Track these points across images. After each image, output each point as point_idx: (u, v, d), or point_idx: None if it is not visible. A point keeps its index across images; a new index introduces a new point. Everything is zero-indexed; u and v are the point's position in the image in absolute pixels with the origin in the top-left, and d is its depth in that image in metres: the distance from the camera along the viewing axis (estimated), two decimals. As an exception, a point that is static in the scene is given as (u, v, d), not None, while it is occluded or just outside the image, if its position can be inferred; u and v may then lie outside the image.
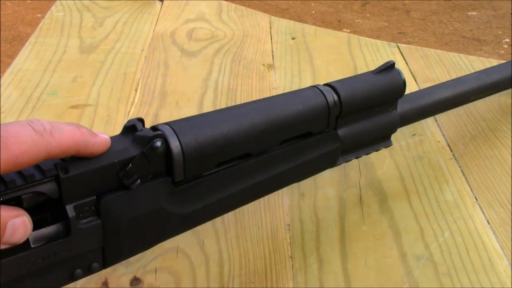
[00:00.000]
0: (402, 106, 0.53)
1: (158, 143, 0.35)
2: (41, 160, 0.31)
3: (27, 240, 0.32)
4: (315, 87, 0.47)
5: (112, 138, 0.36)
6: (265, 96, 0.75)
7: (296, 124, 0.44)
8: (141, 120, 0.37)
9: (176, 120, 0.38)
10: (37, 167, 0.32)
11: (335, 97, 0.46)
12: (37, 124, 0.31)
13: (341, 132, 0.48)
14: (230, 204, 0.43)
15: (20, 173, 0.31)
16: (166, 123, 0.38)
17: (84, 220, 0.34)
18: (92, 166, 0.33)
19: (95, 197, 0.34)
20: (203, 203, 0.40)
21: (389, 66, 0.49)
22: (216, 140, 0.39)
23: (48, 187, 0.32)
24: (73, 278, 0.35)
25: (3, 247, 0.31)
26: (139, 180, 0.35)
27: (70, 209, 0.33)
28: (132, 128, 0.36)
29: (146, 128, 0.37)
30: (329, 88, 0.46)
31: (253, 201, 0.45)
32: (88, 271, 0.36)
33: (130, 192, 0.35)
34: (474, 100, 0.65)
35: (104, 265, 0.36)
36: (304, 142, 0.45)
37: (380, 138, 0.52)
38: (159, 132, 0.36)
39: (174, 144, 0.37)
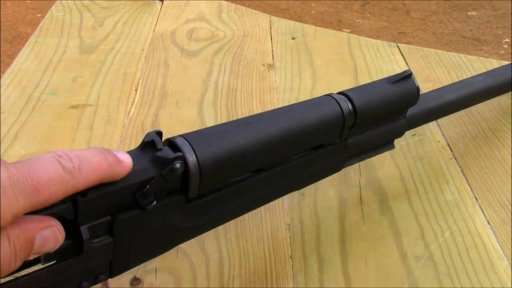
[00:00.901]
0: (409, 111, 0.52)
1: (178, 165, 0.35)
2: (65, 197, 0.30)
3: (39, 259, 0.32)
4: (330, 96, 0.45)
5: (130, 153, 0.35)
6: (266, 96, 0.75)
7: (311, 138, 0.43)
8: (159, 134, 0.36)
9: (194, 134, 0.37)
10: None
11: (350, 107, 0.45)
12: (66, 160, 0.30)
13: (350, 140, 0.47)
14: (237, 213, 0.43)
15: None
16: (184, 137, 0.37)
17: (97, 239, 0.33)
18: (110, 188, 0.33)
19: (109, 217, 0.34)
20: (212, 216, 0.40)
21: (406, 76, 0.48)
22: (233, 158, 0.38)
23: (64, 209, 0.31)
24: None
25: (32, 257, 0.30)
26: (155, 202, 0.35)
27: (84, 231, 0.33)
28: (151, 144, 0.35)
29: (165, 146, 0.36)
30: (344, 97, 0.45)
31: (258, 208, 0.45)
32: (94, 282, 0.35)
33: (144, 212, 0.35)
34: (478, 103, 0.65)
35: (110, 276, 0.36)
36: (315, 154, 0.45)
37: (385, 143, 0.52)
38: (180, 154, 0.35)
39: (192, 164, 0.36)
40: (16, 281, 0.31)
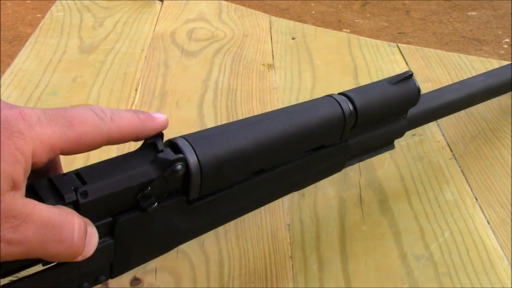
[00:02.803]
0: (409, 111, 0.52)
1: (179, 167, 0.35)
2: (103, 143, 0.32)
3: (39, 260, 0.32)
4: (331, 97, 0.45)
5: (131, 156, 0.35)
6: (266, 96, 0.75)
7: (312, 139, 0.43)
8: (160, 135, 0.36)
9: (195, 135, 0.37)
10: (57, 191, 0.31)
11: (351, 108, 0.45)
12: (98, 109, 0.32)
13: (351, 141, 0.47)
14: (237, 214, 0.43)
15: (39, 198, 0.30)
16: (185, 138, 0.37)
17: (99, 241, 0.33)
18: (112, 190, 0.33)
19: (111, 218, 0.34)
20: (213, 217, 0.40)
21: (407, 77, 0.48)
22: (234, 159, 0.38)
23: None
24: None
25: (81, 259, 0.31)
26: (156, 203, 0.35)
27: None
28: (152, 146, 0.35)
29: (166, 147, 0.36)
30: (345, 98, 0.45)
31: (259, 208, 0.45)
32: (94, 283, 0.35)
33: (145, 214, 0.35)
34: (478, 103, 0.65)
35: (111, 277, 0.36)
36: (316, 155, 0.44)
37: (386, 144, 0.52)
38: (181, 156, 0.35)
39: (194, 166, 0.36)
40: (16, 283, 0.31)
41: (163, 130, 0.35)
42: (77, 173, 0.33)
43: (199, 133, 0.38)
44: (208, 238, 0.52)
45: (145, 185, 0.34)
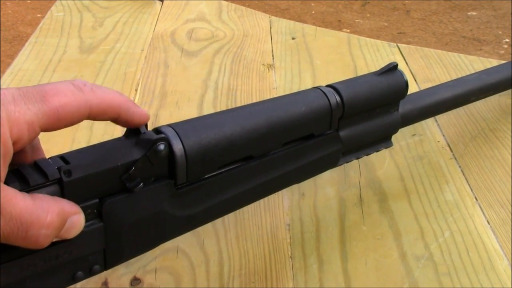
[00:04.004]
0: (403, 107, 0.52)
1: (162, 146, 0.35)
2: (84, 115, 0.31)
3: None
4: (317, 88, 0.46)
5: (115, 140, 0.36)
6: (266, 96, 0.75)
7: (299, 127, 0.44)
8: (144, 124, 0.37)
9: (179, 122, 0.38)
10: (40, 170, 0.32)
11: (338, 99, 0.46)
12: (78, 81, 0.32)
13: (342, 133, 0.47)
14: (231, 205, 0.43)
15: (23, 176, 0.31)
16: (169, 125, 0.38)
17: (87, 223, 0.34)
18: (95, 169, 0.33)
19: (97, 200, 0.34)
20: (205, 205, 0.40)
21: (392, 68, 0.49)
22: (219, 143, 0.39)
23: (51, 191, 0.32)
24: (74, 280, 0.35)
25: (56, 239, 0.31)
26: (142, 184, 0.35)
27: None
28: (135, 131, 0.36)
29: (150, 130, 0.37)
30: (332, 90, 0.46)
31: (254, 202, 0.45)
32: (89, 273, 0.36)
33: (132, 195, 0.35)
34: (474, 101, 0.65)
35: (105, 267, 0.36)
36: (306, 144, 0.45)
37: (381, 139, 0.52)
38: (163, 135, 0.36)
39: (177, 147, 0.36)
40: (6, 263, 0.31)
41: (145, 121, 0.35)
42: (62, 156, 0.33)
43: (183, 121, 0.39)
44: (208, 238, 0.52)
45: (129, 165, 0.34)
